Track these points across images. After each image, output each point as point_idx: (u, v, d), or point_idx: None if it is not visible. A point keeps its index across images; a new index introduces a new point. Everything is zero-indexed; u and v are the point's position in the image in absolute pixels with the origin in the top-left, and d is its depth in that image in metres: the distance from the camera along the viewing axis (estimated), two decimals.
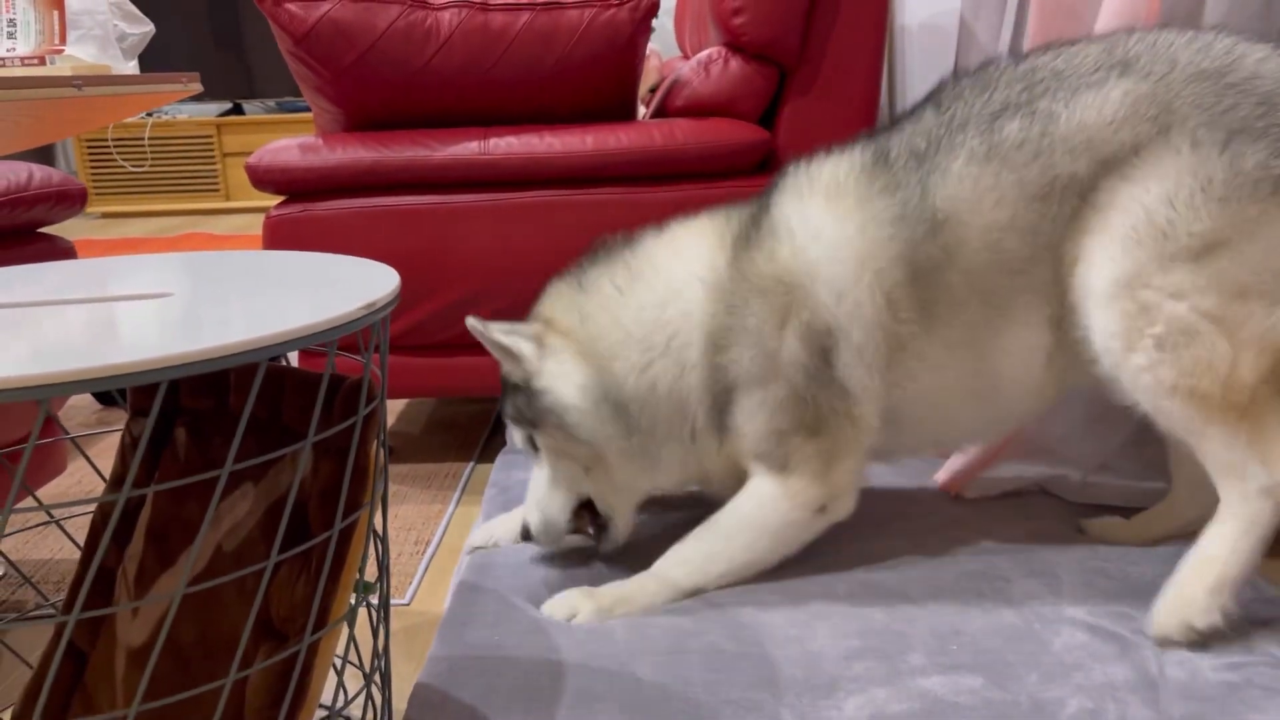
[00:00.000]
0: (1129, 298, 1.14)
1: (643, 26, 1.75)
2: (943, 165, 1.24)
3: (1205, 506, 1.21)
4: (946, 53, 2.27)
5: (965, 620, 1.21)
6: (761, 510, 1.31)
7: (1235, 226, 1.10)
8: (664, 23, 3.84)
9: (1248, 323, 1.11)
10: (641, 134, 1.76)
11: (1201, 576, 1.14)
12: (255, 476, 0.94)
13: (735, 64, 1.79)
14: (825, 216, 1.28)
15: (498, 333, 1.35)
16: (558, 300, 1.38)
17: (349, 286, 0.88)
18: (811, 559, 1.36)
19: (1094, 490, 1.51)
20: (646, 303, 1.33)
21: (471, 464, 1.86)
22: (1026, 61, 1.25)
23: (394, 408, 2.23)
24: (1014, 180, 1.20)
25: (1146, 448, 1.46)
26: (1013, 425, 1.40)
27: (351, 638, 0.96)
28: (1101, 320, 1.17)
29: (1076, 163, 1.18)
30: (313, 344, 0.76)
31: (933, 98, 1.30)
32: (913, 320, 1.27)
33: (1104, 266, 1.16)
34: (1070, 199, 1.19)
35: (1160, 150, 1.14)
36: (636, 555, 1.36)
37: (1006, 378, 1.28)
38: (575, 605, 1.25)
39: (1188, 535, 1.35)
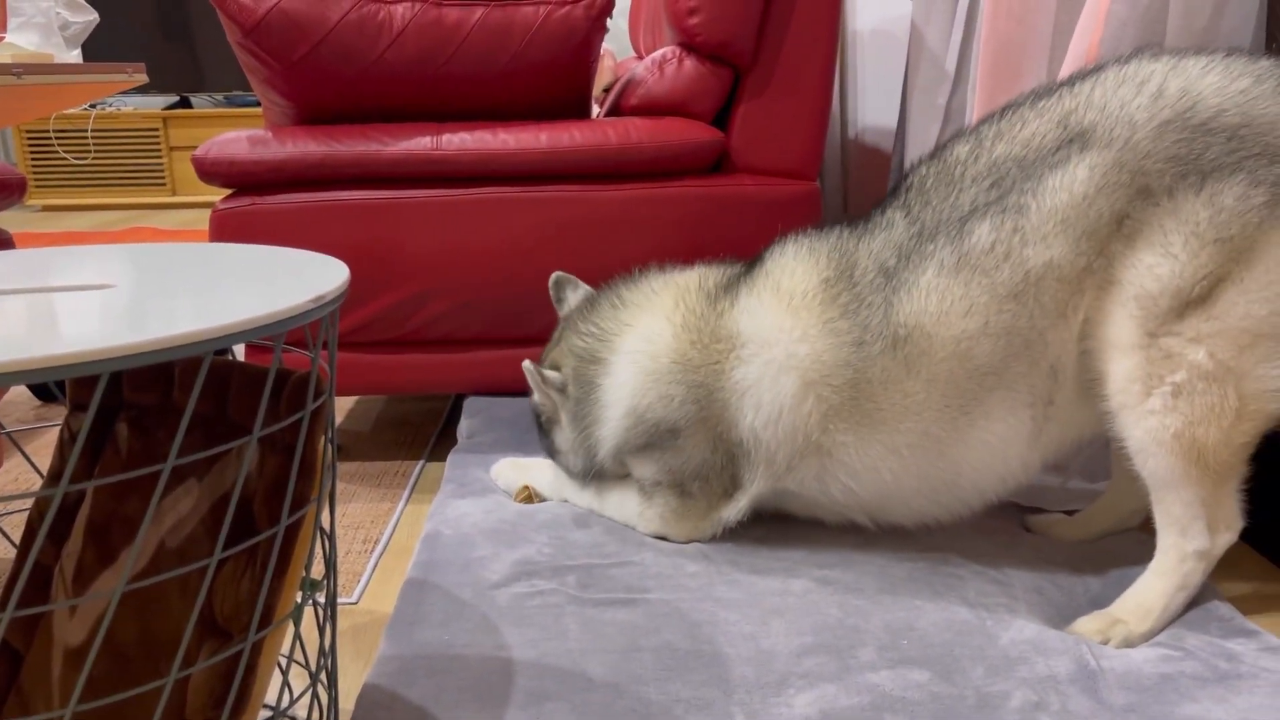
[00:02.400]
0: (1152, 346, 1.15)
1: (598, 25, 1.75)
2: (910, 281, 1.24)
3: (1141, 499, 1.25)
4: (898, 58, 2.30)
5: (918, 615, 1.22)
6: (624, 508, 1.47)
7: (1233, 260, 1.12)
8: (619, 23, 3.84)
9: (1253, 373, 1.13)
10: (596, 132, 1.76)
11: (1135, 623, 1.18)
12: (200, 472, 0.92)
13: (690, 64, 1.80)
14: (781, 333, 1.30)
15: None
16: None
17: (297, 280, 0.86)
18: (769, 555, 1.37)
19: (1038, 492, 1.54)
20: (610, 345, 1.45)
21: (422, 462, 1.84)
22: (987, 145, 1.24)
23: (343, 405, 2.20)
24: (986, 285, 1.20)
25: (1088, 451, 1.49)
26: (983, 504, 1.35)
27: (297, 636, 0.94)
28: (1123, 367, 1.17)
29: (1051, 249, 1.18)
30: (259, 337, 0.75)
31: (901, 197, 1.30)
32: (849, 431, 1.29)
33: (1123, 323, 1.16)
34: (1049, 285, 1.18)
35: (1142, 209, 1.15)
36: (600, 531, 1.36)
37: (972, 469, 1.29)
38: (502, 471, 1.58)
39: (1125, 530, 1.39)
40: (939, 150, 1.31)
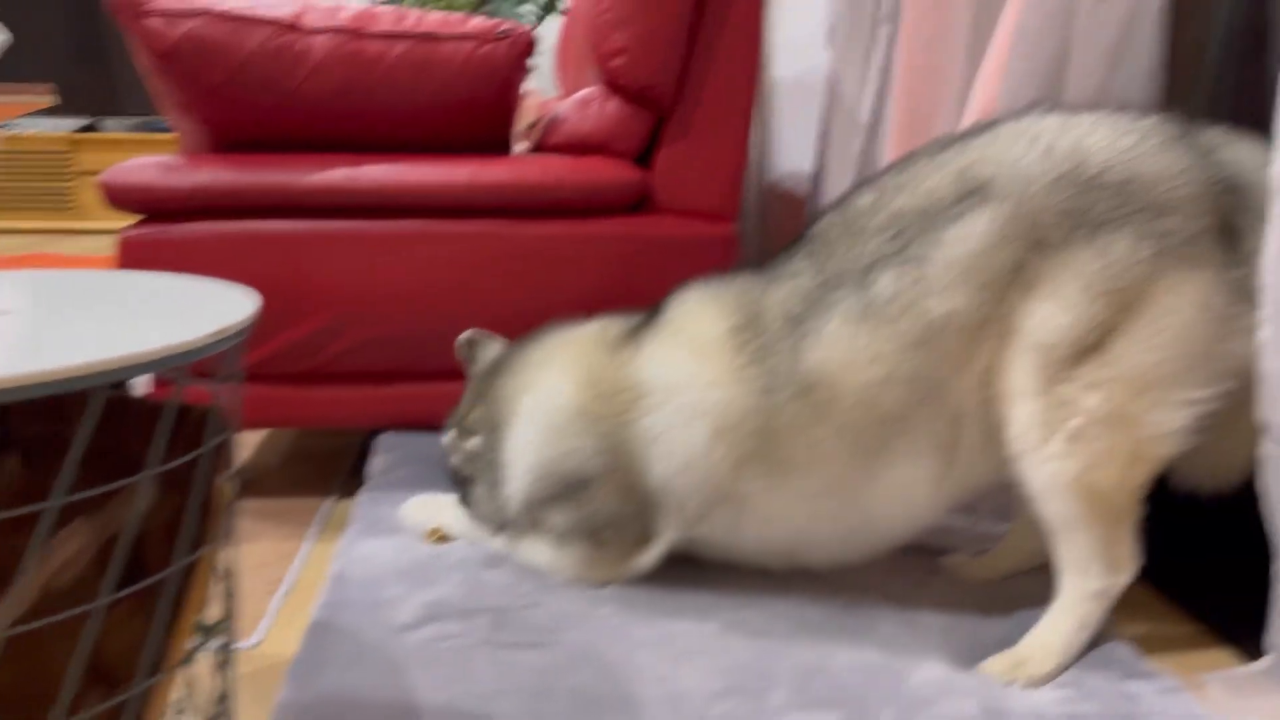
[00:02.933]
0: (1050, 392, 1.18)
1: (519, 63, 1.76)
2: (817, 329, 1.26)
3: (1044, 538, 1.27)
4: (815, 107, 2.36)
5: (830, 657, 1.22)
6: (537, 557, 1.43)
7: (1123, 311, 1.15)
8: (544, 62, 3.86)
9: (1145, 418, 1.16)
10: (517, 168, 1.76)
11: (1039, 662, 1.20)
12: (91, 510, 0.88)
13: (613, 104, 1.81)
14: (690, 380, 1.31)
15: None
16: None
17: (204, 310, 0.84)
18: (683, 596, 1.36)
19: (949, 533, 1.56)
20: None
21: (332, 499, 1.80)
22: (889, 196, 1.27)
23: (252, 439, 2.14)
24: (890, 334, 1.22)
25: (997, 493, 1.52)
26: (893, 546, 1.38)
27: (191, 682, 0.90)
28: (1024, 413, 1.19)
29: (952, 299, 1.20)
30: (159, 370, 0.72)
31: (806, 246, 1.31)
32: (760, 478, 1.30)
33: (1022, 371, 1.19)
34: (951, 334, 1.21)
35: (1038, 261, 1.18)
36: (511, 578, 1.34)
37: (881, 514, 1.31)
38: (412, 510, 1.55)
39: (1031, 569, 1.42)
40: (842, 201, 1.33)
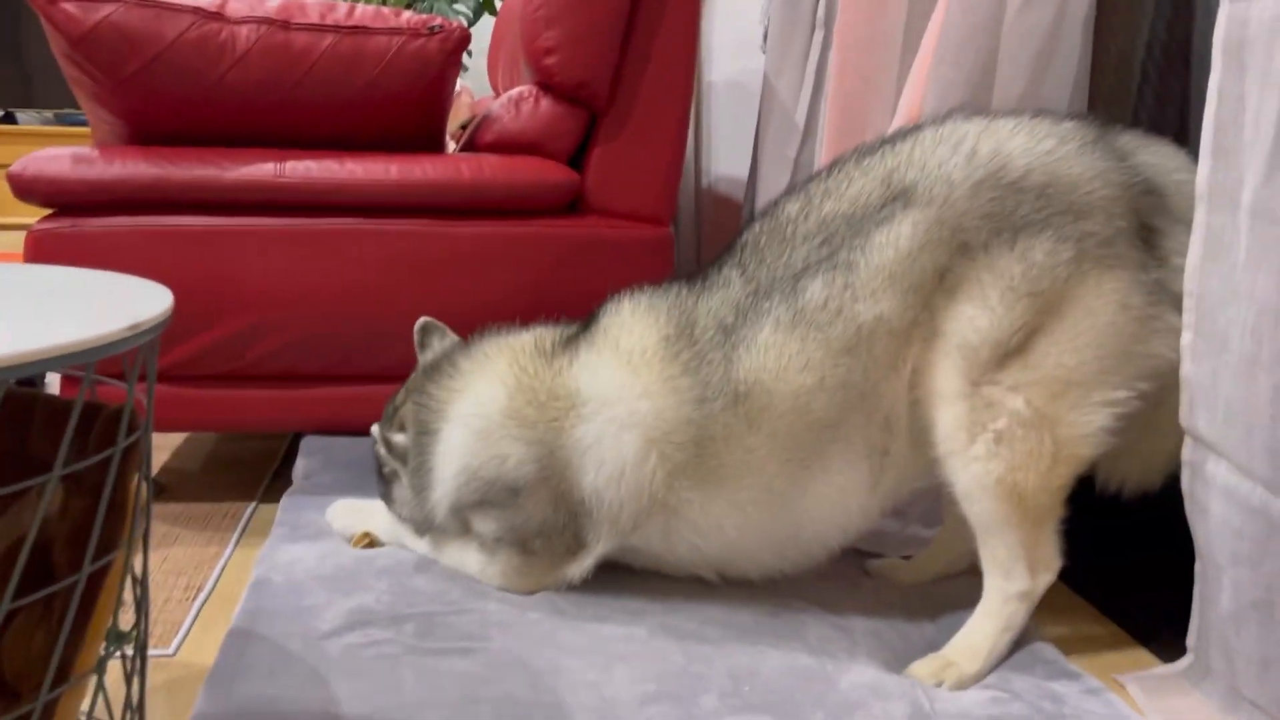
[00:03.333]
0: (975, 394, 1.19)
1: (453, 59, 1.73)
2: (748, 338, 1.25)
3: (970, 541, 1.28)
4: (750, 109, 2.37)
5: (761, 661, 1.22)
6: (465, 561, 1.42)
7: (1045, 313, 1.17)
8: (478, 61, 3.83)
9: (1067, 419, 1.17)
10: (448, 167, 1.73)
11: (966, 663, 1.21)
12: None
13: (546, 103, 1.79)
14: (623, 390, 1.29)
15: None
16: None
17: (115, 305, 0.80)
18: (613, 601, 1.35)
19: (879, 537, 1.57)
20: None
21: (254, 504, 1.75)
22: (816, 203, 1.27)
23: (170, 442, 2.08)
24: (820, 340, 1.22)
25: (925, 497, 1.54)
26: (826, 554, 1.37)
27: (100, 690, 0.86)
28: (949, 415, 1.20)
29: (880, 303, 1.21)
30: (65, 366, 0.69)
31: (737, 255, 1.31)
32: (693, 489, 1.29)
33: (948, 373, 1.20)
34: (880, 339, 1.21)
35: (962, 264, 1.19)
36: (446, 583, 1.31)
37: (814, 521, 1.31)
38: (338, 514, 1.52)
39: (958, 573, 1.43)
40: (771, 208, 1.33)
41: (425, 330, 1.56)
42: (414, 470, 1.44)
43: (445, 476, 1.38)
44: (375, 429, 1.52)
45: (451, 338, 1.55)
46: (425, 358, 1.54)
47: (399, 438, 1.47)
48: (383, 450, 1.51)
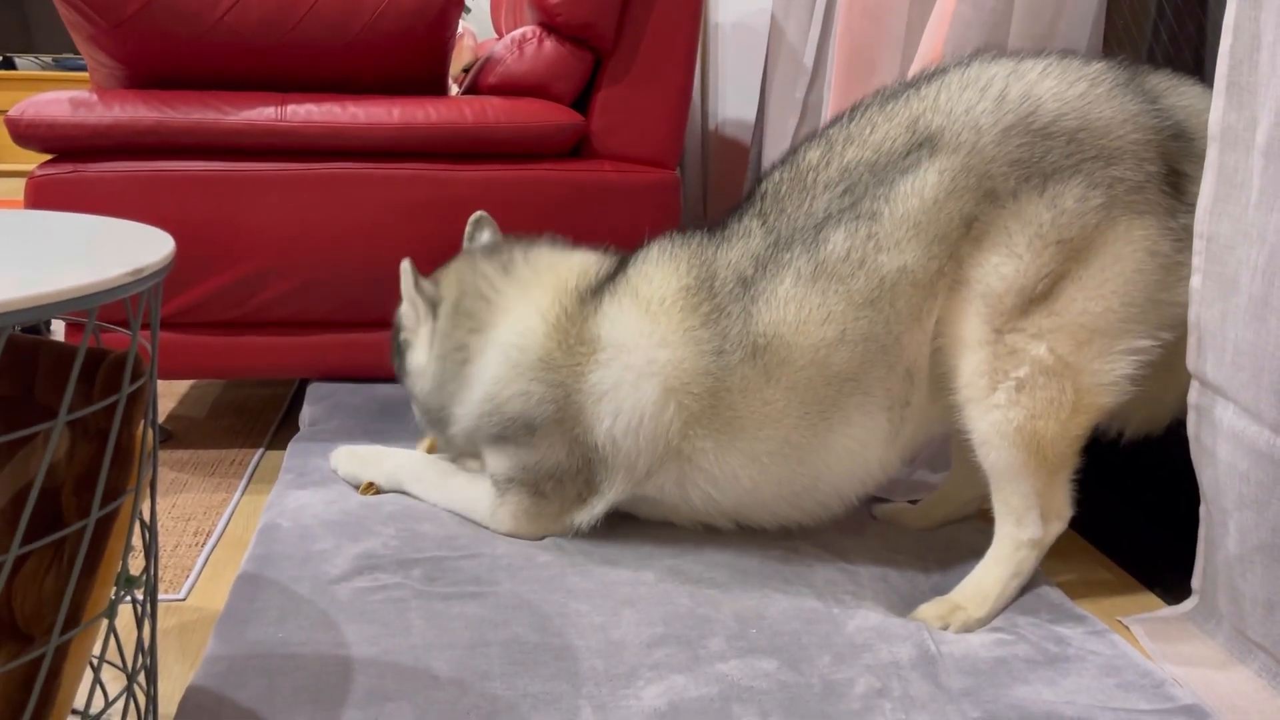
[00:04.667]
0: (999, 342, 1.18)
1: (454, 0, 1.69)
2: (768, 290, 1.24)
3: (977, 488, 1.29)
4: (758, 51, 2.33)
5: (767, 604, 1.22)
6: (474, 505, 1.42)
7: (1072, 259, 1.15)
8: (482, 4, 3.77)
9: (1090, 368, 1.16)
10: (451, 109, 1.71)
11: (973, 607, 1.22)
12: (0, 460, 0.83)
13: (550, 44, 1.76)
14: (641, 338, 1.28)
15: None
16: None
17: (116, 251, 0.79)
18: (622, 545, 1.35)
19: (886, 482, 1.57)
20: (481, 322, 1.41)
21: (261, 450, 1.75)
22: (838, 150, 1.24)
23: (176, 389, 2.08)
24: (842, 293, 1.21)
25: (933, 444, 1.54)
26: (843, 506, 1.35)
27: (111, 634, 0.87)
28: (971, 362, 1.19)
29: (905, 254, 1.18)
30: (67, 312, 0.68)
31: (757, 205, 1.29)
32: (709, 438, 1.29)
33: (971, 320, 1.19)
34: (904, 290, 1.19)
35: (990, 212, 1.17)
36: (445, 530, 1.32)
37: (831, 473, 1.30)
38: (341, 459, 1.53)
39: (964, 518, 1.43)
40: (791, 155, 1.31)
41: (479, 223, 1.55)
42: (440, 358, 1.42)
43: (473, 399, 1.38)
44: (406, 263, 1.45)
45: (497, 235, 1.54)
46: (470, 246, 1.54)
47: (429, 284, 1.45)
48: (405, 305, 1.47)
